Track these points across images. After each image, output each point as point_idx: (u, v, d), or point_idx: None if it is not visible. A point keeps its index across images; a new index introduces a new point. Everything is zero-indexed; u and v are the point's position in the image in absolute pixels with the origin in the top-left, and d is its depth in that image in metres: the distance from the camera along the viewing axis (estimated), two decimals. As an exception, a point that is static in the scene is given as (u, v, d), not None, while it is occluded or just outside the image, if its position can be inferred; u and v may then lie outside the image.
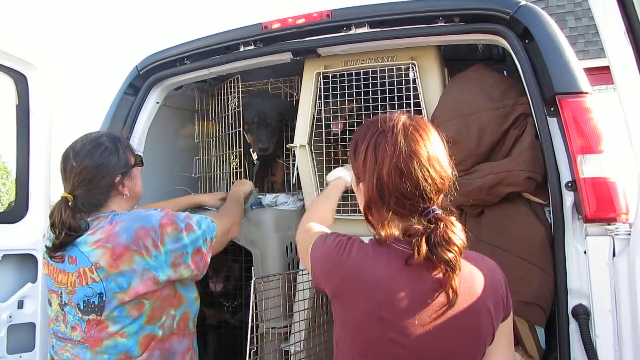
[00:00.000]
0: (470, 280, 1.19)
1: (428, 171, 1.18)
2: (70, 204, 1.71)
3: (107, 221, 1.70)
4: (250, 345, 1.87)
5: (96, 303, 1.64)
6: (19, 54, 2.31)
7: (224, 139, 2.96)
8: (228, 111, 2.86)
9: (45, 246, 1.76)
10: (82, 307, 1.67)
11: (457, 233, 1.16)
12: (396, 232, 1.21)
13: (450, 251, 1.13)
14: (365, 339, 1.17)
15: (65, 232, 1.66)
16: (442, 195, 1.25)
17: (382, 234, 1.18)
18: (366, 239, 1.28)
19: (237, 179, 2.72)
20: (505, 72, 2.77)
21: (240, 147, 2.74)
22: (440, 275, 1.15)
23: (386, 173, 1.18)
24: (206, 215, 1.90)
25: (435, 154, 1.22)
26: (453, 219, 1.19)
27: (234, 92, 2.80)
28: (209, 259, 1.81)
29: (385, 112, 2.15)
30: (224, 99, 2.92)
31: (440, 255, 1.12)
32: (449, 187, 1.26)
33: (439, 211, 1.19)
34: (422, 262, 1.15)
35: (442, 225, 1.16)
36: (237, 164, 2.86)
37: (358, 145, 1.28)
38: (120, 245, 1.64)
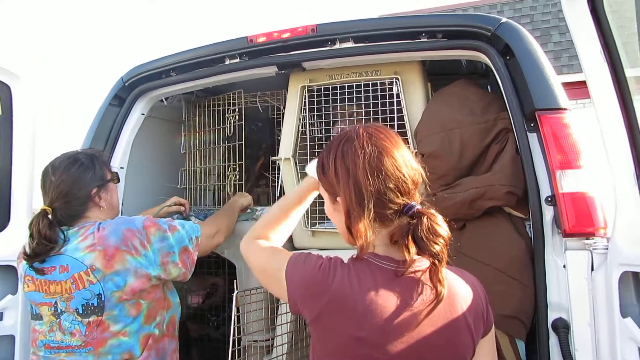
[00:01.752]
0: (451, 295, 1.18)
1: (401, 165, 1.19)
2: (49, 216, 1.79)
3: (95, 228, 1.79)
4: (231, 359, 1.86)
5: (96, 304, 1.72)
6: (3, 64, 2.30)
7: (213, 151, 2.97)
8: (225, 124, 2.88)
9: (24, 257, 1.78)
10: (81, 311, 1.73)
11: (441, 224, 1.16)
12: (378, 243, 1.21)
13: (437, 243, 1.13)
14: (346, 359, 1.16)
15: (42, 242, 1.73)
16: (417, 190, 1.24)
17: (362, 243, 1.16)
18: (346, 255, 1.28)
19: (237, 191, 2.81)
20: (489, 87, 2.81)
21: (240, 160, 2.79)
22: (427, 275, 1.15)
23: (362, 175, 1.17)
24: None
25: (402, 149, 1.23)
26: (433, 211, 1.19)
27: (233, 106, 2.85)
28: (195, 258, 1.90)
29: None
30: (216, 111, 2.95)
31: (429, 248, 1.13)
32: (422, 180, 1.26)
33: (419, 206, 1.19)
34: (407, 271, 1.15)
35: (425, 219, 1.15)
36: (236, 176, 2.90)
37: (324, 162, 1.27)
38: (111, 247, 1.73)
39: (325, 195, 1.32)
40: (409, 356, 1.13)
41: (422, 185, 1.29)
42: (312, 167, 1.46)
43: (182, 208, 2.47)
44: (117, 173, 2.07)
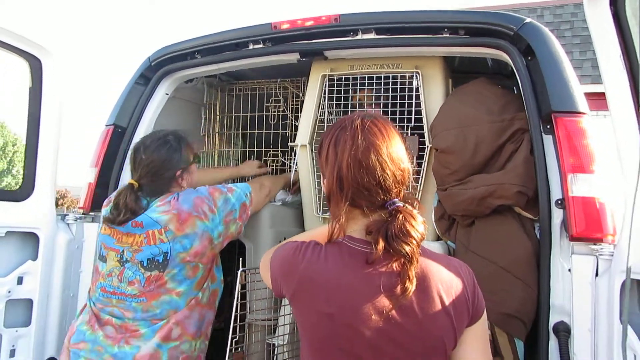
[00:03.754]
0: (427, 279, 1.18)
1: (386, 162, 1.20)
2: (134, 189, 1.99)
3: (172, 197, 1.98)
4: (232, 334, 1.93)
5: (160, 261, 1.89)
6: (35, 39, 2.38)
7: (233, 136, 3.04)
8: (268, 112, 3.01)
9: (105, 217, 2.01)
10: (145, 264, 1.91)
11: (416, 225, 1.16)
12: (356, 228, 1.23)
13: (408, 244, 1.14)
14: (319, 337, 1.19)
15: (127, 214, 1.94)
16: (403, 188, 1.24)
17: (335, 226, 1.21)
18: None
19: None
20: (514, 88, 2.78)
21: (283, 147, 2.91)
22: (398, 268, 1.15)
23: (345, 165, 1.20)
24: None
25: (393, 146, 1.23)
26: (415, 211, 1.19)
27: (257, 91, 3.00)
28: (250, 213, 2.15)
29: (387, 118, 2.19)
30: (241, 95, 3.04)
31: (397, 248, 1.13)
32: (409, 179, 1.26)
33: (400, 203, 1.20)
34: (380, 258, 1.16)
35: (400, 217, 1.16)
36: (276, 162, 3.03)
37: (322, 144, 1.30)
38: (184, 212, 1.92)
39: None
40: (381, 337, 1.14)
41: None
42: None
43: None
44: (199, 155, 2.24)
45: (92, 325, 1.92)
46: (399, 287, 1.14)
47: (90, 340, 1.88)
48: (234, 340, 1.94)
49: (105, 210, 2.06)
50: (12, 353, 2.32)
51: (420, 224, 1.18)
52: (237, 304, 1.96)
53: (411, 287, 1.14)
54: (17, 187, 2.43)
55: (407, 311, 1.15)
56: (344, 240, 1.23)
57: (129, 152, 2.14)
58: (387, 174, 1.19)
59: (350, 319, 1.15)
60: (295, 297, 1.22)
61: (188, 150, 2.11)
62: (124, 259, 1.94)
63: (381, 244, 1.14)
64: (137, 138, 2.64)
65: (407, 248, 1.14)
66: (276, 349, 2.24)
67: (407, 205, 1.21)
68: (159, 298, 1.89)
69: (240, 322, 2.02)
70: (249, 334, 2.24)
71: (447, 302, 1.17)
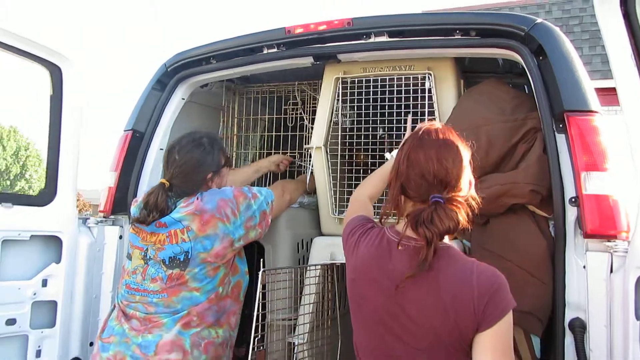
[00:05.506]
0: (435, 276, 1.31)
1: (431, 163, 1.37)
2: (165, 188, 2.03)
3: (196, 197, 2.02)
4: (255, 333, 1.98)
5: (182, 259, 1.95)
6: (55, 48, 2.44)
7: (249, 138, 3.11)
8: (286, 114, 3.07)
9: (134, 218, 2.07)
10: (167, 262, 1.96)
11: (443, 218, 1.31)
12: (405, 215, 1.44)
13: (429, 230, 1.30)
14: (349, 295, 1.51)
15: (155, 214, 1.99)
16: (454, 190, 1.37)
17: (385, 206, 1.50)
18: None
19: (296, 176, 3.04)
20: (525, 87, 2.81)
21: (301, 149, 2.95)
22: (416, 253, 1.34)
23: (401, 161, 1.44)
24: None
25: (443, 152, 1.39)
26: (449, 207, 1.33)
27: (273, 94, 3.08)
28: (270, 220, 2.17)
29: (400, 119, 2.25)
30: (255, 98, 3.12)
31: (421, 231, 1.31)
32: (457, 181, 1.39)
33: (440, 200, 1.34)
34: (412, 248, 1.36)
35: (432, 209, 1.33)
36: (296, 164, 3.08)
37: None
38: (207, 214, 1.97)
39: None
40: (389, 309, 1.37)
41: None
42: (391, 155, 1.95)
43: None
44: (229, 158, 2.29)
45: (120, 320, 2.00)
46: (410, 270, 1.32)
47: (119, 334, 1.96)
48: (256, 339, 1.99)
49: (134, 209, 2.11)
50: (38, 354, 2.39)
51: (448, 220, 1.31)
52: (258, 304, 2.01)
53: (423, 266, 1.30)
54: (39, 192, 2.50)
55: (410, 296, 1.34)
56: (386, 228, 1.48)
57: (164, 151, 2.20)
58: (431, 174, 1.36)
59: (365, 288, 1.43)
60: (347, 259, 1.56)
61: (221, 153, 2.15)
62: (148, 257, 2.00)
63: (407, 226, 1.36)
64: (155, 143, 2.71)
65: (428, 233, 1.30)
66: (296, 347, 2.29)
67: (448, 203, 1.34)
68: (179, 294, 1.94)
69: (261, 321, 2.06)
70: (269, 333, 2.29)
71: (447, 302, 1.28)
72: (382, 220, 1.54)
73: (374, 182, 1.89)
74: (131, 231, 2.10)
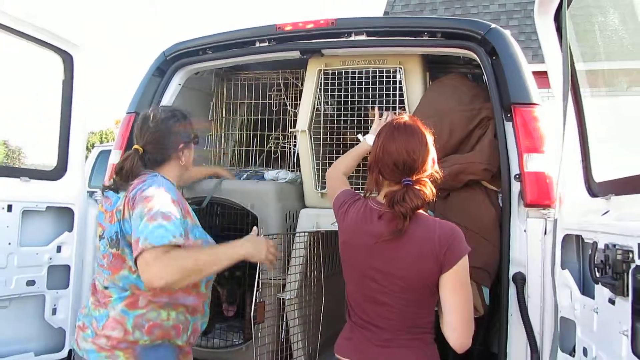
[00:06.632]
0: (408, 236, 1.67)
1: (402, 155, 1.68)
2: (140, 154, 2.02)
3: (140, 179, 1.96)
4: (256, 289, 2.34)
5: (115, 239, 1.94)
6: (67, 36, 2.70)
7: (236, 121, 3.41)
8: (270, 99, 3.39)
9: (106, 186, 2.07)
10: (109, 241, 1.97)
11: (412, 197, 1.64)
12: (382, 193, 1.75)
13: (403, 207, 1.63)
14: (342, 257, 1.85)
15: (126, 179, 1.97)
16: (420, 173, 1.70)
17: (366, 187, 1.83)
18: None
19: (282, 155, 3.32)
20: (483, 76, 3.21)
21: (284, 131, 3.25)
22: (394, 223, 1.67)
23: (377, 150, 1.74)
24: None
25: (411, 143, 1.70)
26: (416, 188, 1.66)
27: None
28: (131, 264, 1.91)
29: (374, 108, 2.60)
30: (246, 85, 3.40)
31: (397, 209, 1.64)
32: (422, 167, 1.71)
33: (410, 182, 1.67)
34: (388, 216, 1.67)
35: (404, 189, 1.66)
36: (278, 144, 3.36)
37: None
38: (130, 198, 1.90)
39: None
40: (371, 264, 1.72)
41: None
42: (370, 137, 2.22)
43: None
44: (198, 135, 2.25)
45: (91, 292, 2.07)
46: (388, 234, 1.67)
47: (87, 306, 2.05)
48: (257, 293, 2.33)
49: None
50: (54, 311, 2.69)
51: (417, 198, 1.64)
52: (259, 267, 2.33)
53: (398, 230, 1.65)
54: (53, 168, 2.77)
55: (387, 254, 1.70)
56: (369, 200, 1.81)
57: (139, 119, 2.12)
58: (402, 161, 1.69)
59: (353, 249, 1.78)
60: (339, 226, 1.90)
61: (191, 127, 2.17)
62: (103, 235, 2.03)
63: (387, 205, 1.68)
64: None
65: (402, 210, 1.63)
66: (286, 301, 2.67)
67: (416, 184, 1.67)
68: (119, 273, 1.94)
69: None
70: (263, 290, 2.65)
71: (414, 254, 1.66)
72: (367, 194, 1.86)
73: (347, 162, 2.24)
74: (100, 209, 2.10)
